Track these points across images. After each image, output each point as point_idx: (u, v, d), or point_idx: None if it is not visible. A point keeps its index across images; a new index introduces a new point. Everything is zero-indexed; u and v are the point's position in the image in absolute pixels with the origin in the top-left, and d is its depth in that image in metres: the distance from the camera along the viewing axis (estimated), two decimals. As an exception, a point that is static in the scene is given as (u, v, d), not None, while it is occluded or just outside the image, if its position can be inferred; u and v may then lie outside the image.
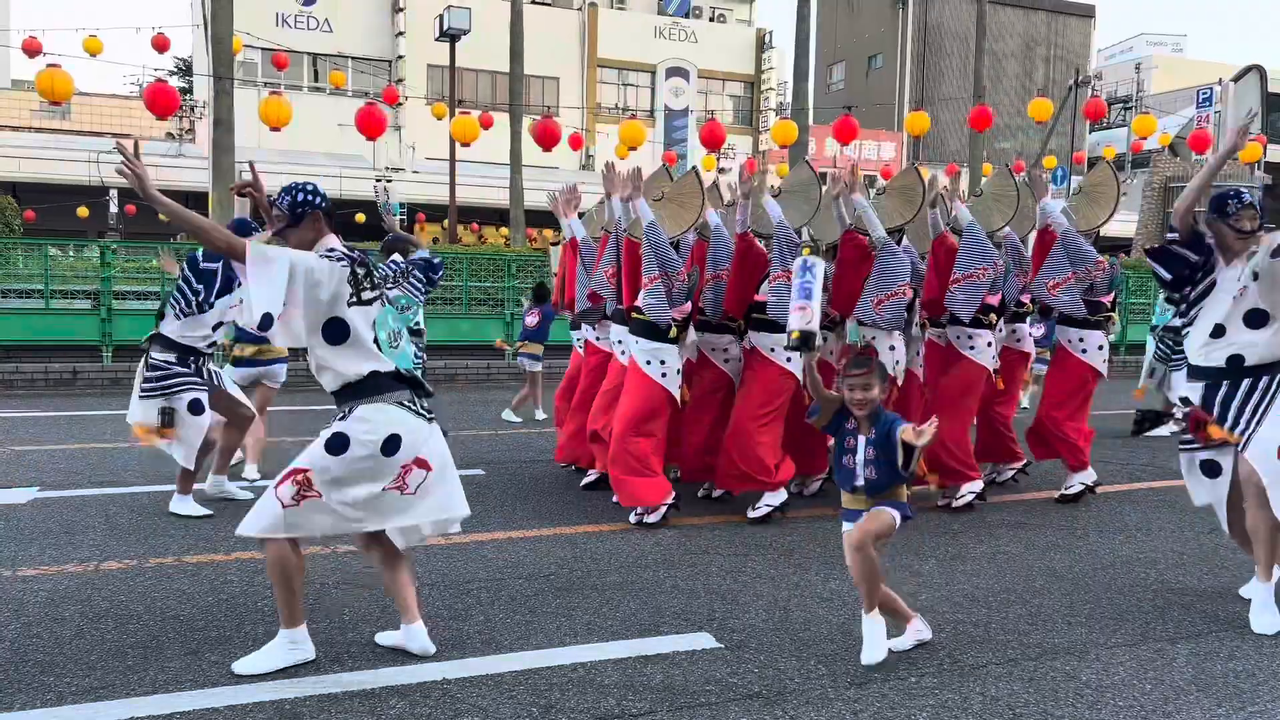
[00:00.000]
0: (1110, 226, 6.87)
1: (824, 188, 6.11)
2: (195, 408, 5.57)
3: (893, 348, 6.05)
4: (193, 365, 5.63)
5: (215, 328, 5.69)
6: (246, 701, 3.25)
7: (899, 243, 6.04)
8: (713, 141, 17.32)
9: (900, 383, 6.16)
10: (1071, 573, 4.91)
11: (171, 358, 5.57)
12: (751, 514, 5.84)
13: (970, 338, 6.22)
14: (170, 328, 5.59)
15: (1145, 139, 24.83)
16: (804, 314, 3.57)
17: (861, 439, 3.67)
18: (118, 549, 4.98)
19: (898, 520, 3.69)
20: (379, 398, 3.51)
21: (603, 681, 3.48)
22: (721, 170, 26.88)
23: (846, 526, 3.75)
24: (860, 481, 3.67)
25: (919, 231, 6.39)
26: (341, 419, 3.50)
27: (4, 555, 4.83)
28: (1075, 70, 33.49)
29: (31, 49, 18.36)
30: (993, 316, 6.26)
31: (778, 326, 5.77)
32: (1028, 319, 6.97)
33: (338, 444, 3.45)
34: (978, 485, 6.30)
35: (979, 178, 23.47)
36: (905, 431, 3.52)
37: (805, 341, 3.56)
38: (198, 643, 3.76)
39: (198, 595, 4.24)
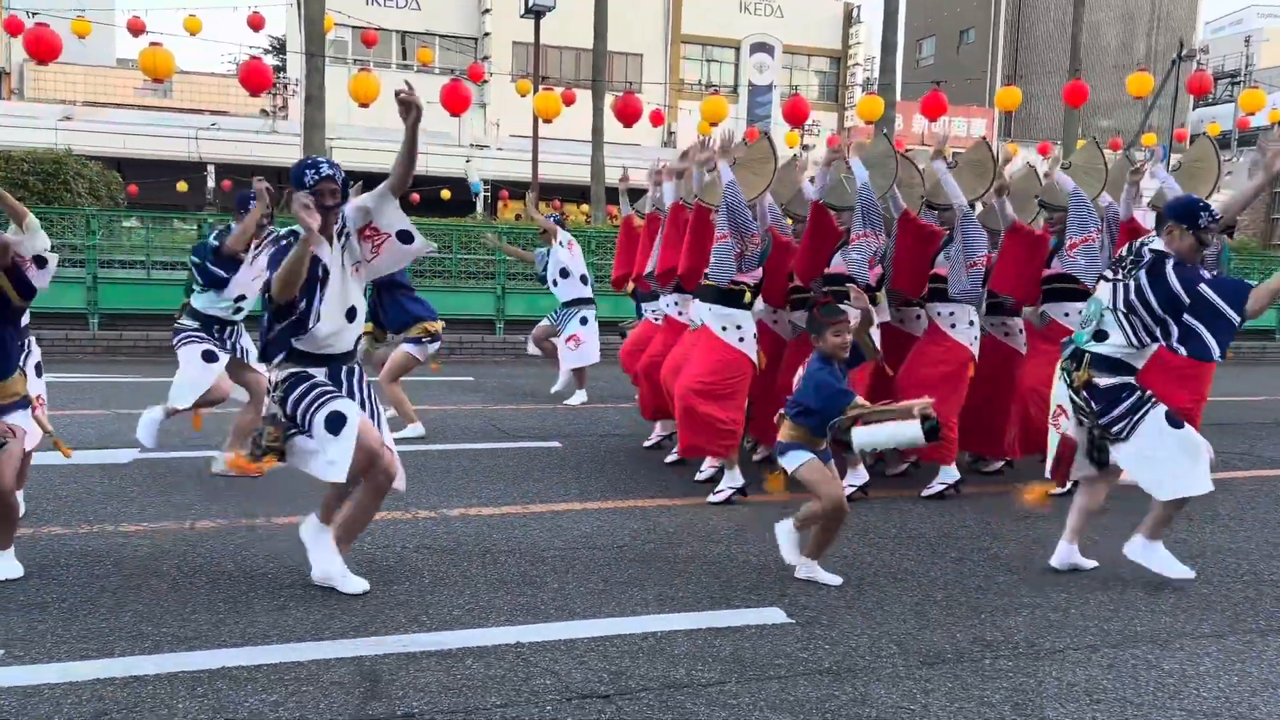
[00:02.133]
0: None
1: (900, 160, 6.00)
2: (208, 356, 5.84)
3: (972, 322, 5.97)
4: (215, 333, 5.90)
5: (239, 299, 5.85)
6: (329, 657, 3.38)
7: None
8: (796, 117, 17.12)
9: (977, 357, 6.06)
10: (1158, 561, 4.77)
11: (195, 324, 5.88)
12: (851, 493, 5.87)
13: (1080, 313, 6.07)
14: (197, 301, 5.87)
15: (1253, 115, 23.69)
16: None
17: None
18: (211, 509, 5.20)
19: None
20: None
21: (673, 651, 3.52)
22: (805, 147, 26.51)
23: (806, 455, 4.23)
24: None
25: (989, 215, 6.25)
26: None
27: (108, 511, 5.08)
28: (1179, 42, 32.08)
29: (135, 28, 19.03)
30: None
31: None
32: None
33: None
34: None
35: (1074, 156, 22.70)
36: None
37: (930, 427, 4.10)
38: (284, 599, 3.91)
39: (285, 554, 4.39)
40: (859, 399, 4.12)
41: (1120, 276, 4.25)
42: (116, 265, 13.10)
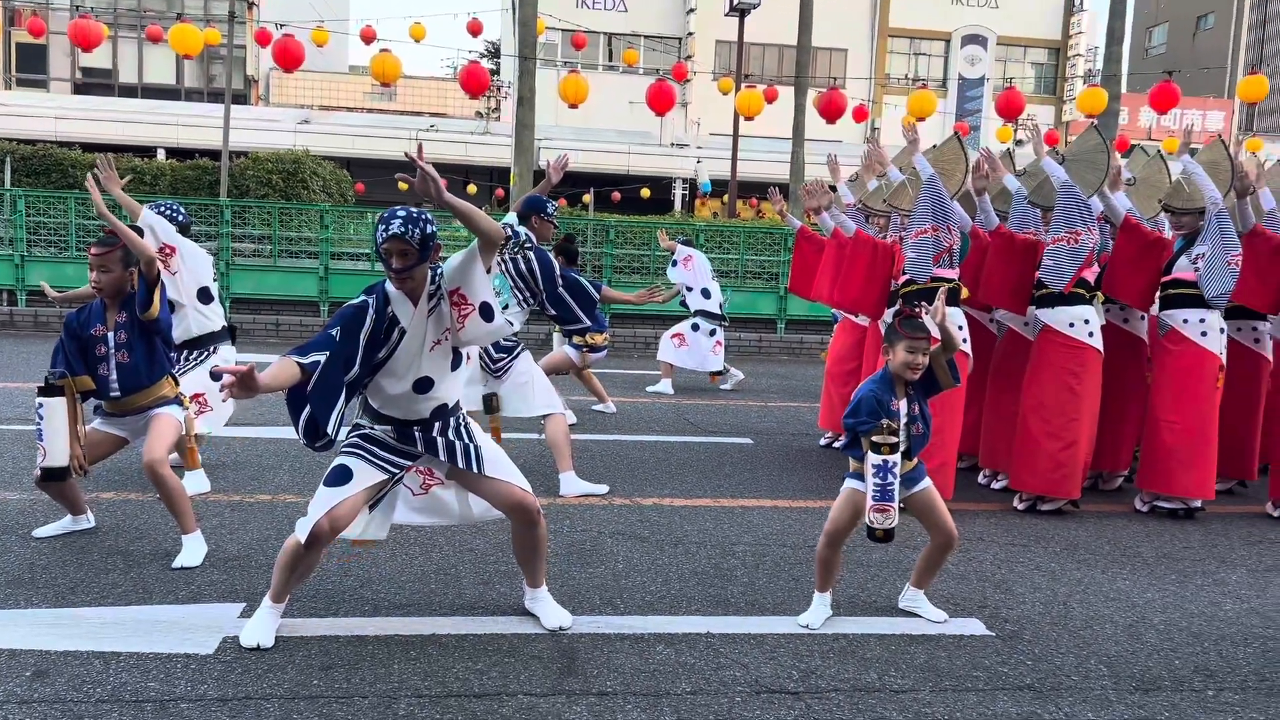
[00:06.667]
0: None
1: (1113, 156, 5.62)
2: None
3: (1222, 330, 5.57)
4: None
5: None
6: (529, 632, 3.53)
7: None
8: (1010, 111, 16.37)
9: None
10: None
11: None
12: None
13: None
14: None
15: None
16: (886, 515, 3.49)
17: (903, 403, 3.66)
18: (424, 486, 5.53)
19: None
20: None
21: (865, 654, 3.47)
22: (1018, 142, 25.25)
23: (858, 484, 3.65)
24: (903, 447, 3.60)
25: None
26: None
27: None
28: None
29: (367, 36, 20.41)
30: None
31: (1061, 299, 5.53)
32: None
33: None
34: None
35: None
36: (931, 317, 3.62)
37: (888, 537, 3.57)
38: (489, 574, 4.13)
39: (491, 532, 4.63)
40: (888, 425, 3.50)
41: None
42: (345, 258, 14.14)
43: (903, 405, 3.66)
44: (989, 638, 3.68)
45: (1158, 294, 5.71)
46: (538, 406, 5.62)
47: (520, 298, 5.43)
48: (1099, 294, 5.76)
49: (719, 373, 9.81)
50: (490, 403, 5.62)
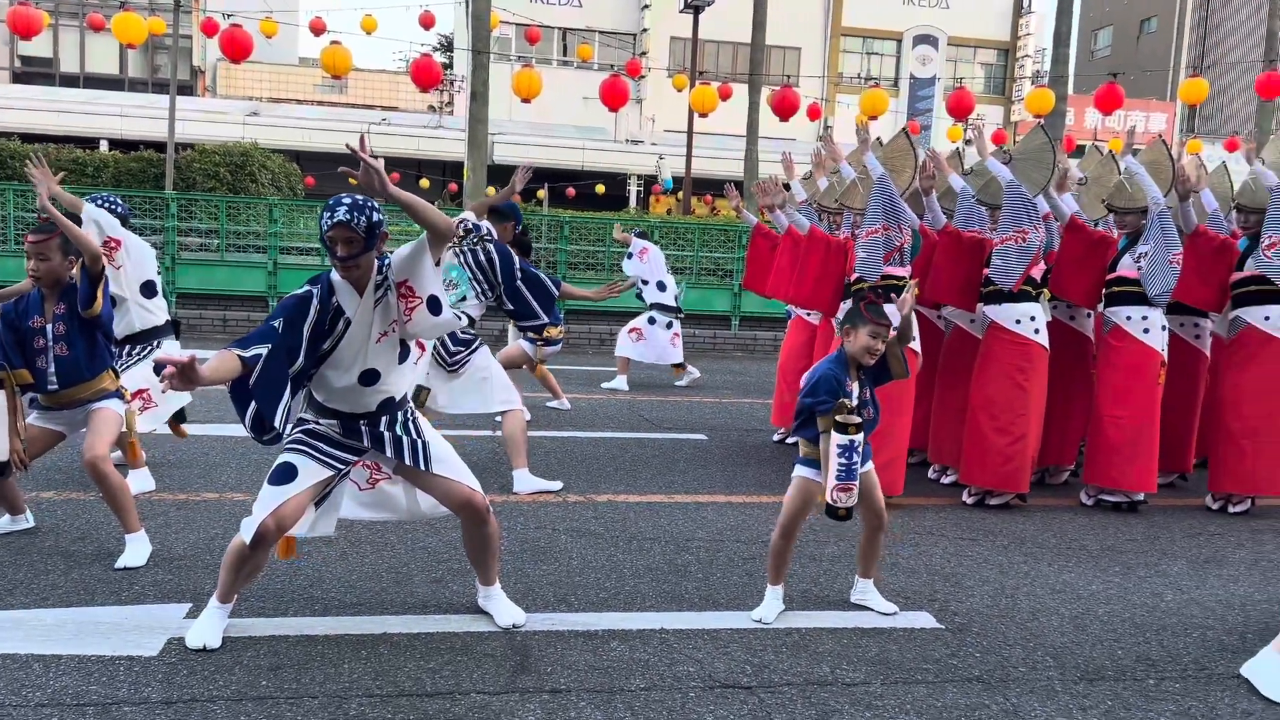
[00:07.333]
0: None
1: (1060, 155, 5.71)
2: None
3: (1164, 326, 5.65)
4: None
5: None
6: (483, 630, 3.51)
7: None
8: (960, 110, 16.58)
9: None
10: (1350, 589, 4.42)
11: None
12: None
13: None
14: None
15: None
16: (849, 494, 3.53)
17: (855, 386, 3.68)
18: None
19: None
20: None
21: (817, 648, 3.50)
22: (968, 141, 25.58)
23: (809, 472, 3.70)
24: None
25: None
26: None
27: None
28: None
29: (317, 28, 20.11)
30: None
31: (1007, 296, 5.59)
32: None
33: None
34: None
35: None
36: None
37: (850, 516, 3.63)
38: (442, 572, 4.09)
39: (444, 529, 4.59)
40: (847, 404, 3.56)
41: None
42: (295, 252, 13.93)
43: (855, 388, 3.69)
44: (938, 630, 3.73)
45: (1103, 292, 5.82)
46: (495, 402, 5.59)
47: (478, 290, 5.39)
48: (1045, 291, 5.86)
49: (680, 365, 9.83)
50: (418, 397, 5.55)
